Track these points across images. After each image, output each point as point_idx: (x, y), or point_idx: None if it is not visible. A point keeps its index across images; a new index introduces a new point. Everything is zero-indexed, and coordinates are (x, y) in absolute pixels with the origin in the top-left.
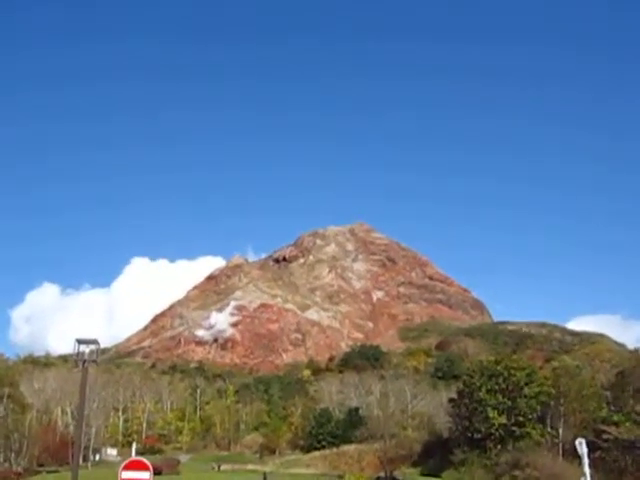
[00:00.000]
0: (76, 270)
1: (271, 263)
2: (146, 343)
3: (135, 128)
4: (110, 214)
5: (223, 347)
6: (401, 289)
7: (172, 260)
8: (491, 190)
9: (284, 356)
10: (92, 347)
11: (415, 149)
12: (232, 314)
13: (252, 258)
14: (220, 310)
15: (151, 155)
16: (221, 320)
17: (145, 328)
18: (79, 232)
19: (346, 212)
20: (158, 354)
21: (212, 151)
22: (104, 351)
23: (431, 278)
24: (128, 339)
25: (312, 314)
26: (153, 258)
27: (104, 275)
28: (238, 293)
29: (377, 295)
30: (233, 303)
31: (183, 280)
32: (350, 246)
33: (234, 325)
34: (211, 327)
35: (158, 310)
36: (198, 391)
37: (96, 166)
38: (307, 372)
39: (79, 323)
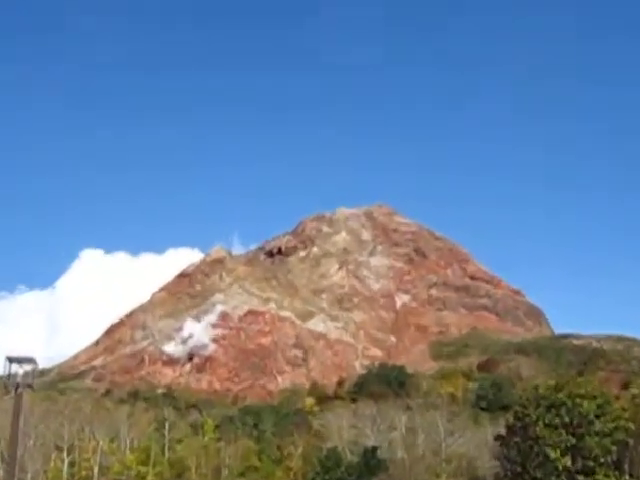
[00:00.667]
0: (7, 268)
1: (262, 257)
2: (98, 362)
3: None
4: (53, 195)
5: (200, 368)
6: (433, 291)
7: (134, 253)
8: (551, 161)
9: (279, 379)
10: (28, 367)
11: (451, 108)
12: (211, 324)
13: (238, 250)
14: (196, 319)
15: (98, 122)
16: (197, 332)
17: (97, 342)
18: (10, 222)
19: (361, 190)
20: (114, 377)
21: (184, 116)
22: (44, 372)
23: (473, 277)
24: (75, 357)
25: (316, 324)
26: (109, 250)
27: (45, 273)
28: (219, 296)
29: (402, 299)
30: (213, 310)
31: (148, 279)
32: (366, 235)
33: (214, 339)
34: (184, 341)
35: (114, 318)
36: (167, 425)
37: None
38: (310, 401)
39: (11, 336)
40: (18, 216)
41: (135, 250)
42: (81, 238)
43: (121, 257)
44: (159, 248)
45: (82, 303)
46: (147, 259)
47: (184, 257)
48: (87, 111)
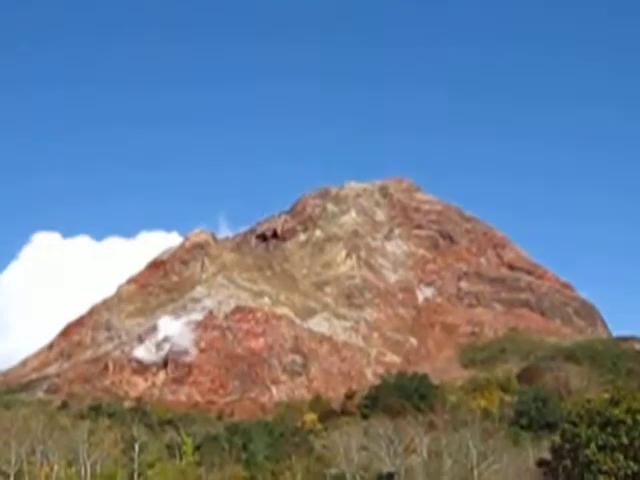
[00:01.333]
0: None
1: (254, 241)
2: (53, 369)
3: None
4: None
5: (177, 377)
6: (463, 284)
7: (98, 237)
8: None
9: (274, 391)
10: None
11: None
12: (191, 324)
13: (225, 234)
14: (172, 317)
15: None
16: (174, 333)
17: (51, 345)
18: None
19: (374, 161)
20: (72, 387)
21: (159, 65)
22: None
23: (512, 267)
24: (24, 363)
25: (319, 324)
26: (68, 234)
27: None
28: (200, 290)
29: (424, 294)
30: (193, 306)
31: (115, 269)
32: (381, 214)
33: (194, 342)
34: (157, 344)
35: (72, 316)
36: (136, 447)
37: None
38: (311, 417)
39: None
40: None
41: (99, 234)
42: (33, 219)
43: (82, 242)
44: (129, 231)
45: (33, 297)
46: (114, 244)
47: (159, 242)
48: (40, 68)
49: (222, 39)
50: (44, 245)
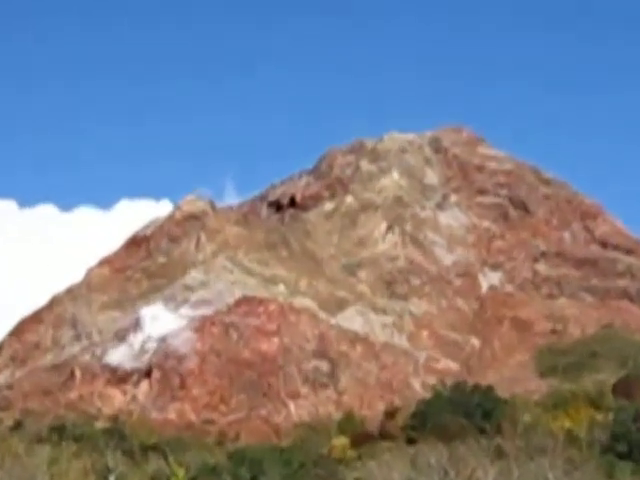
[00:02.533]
0: None
1: (265, 212)
2: (1, 379)
3: None
4: None
5: (164, 388)
6: (541, 267)
7: (65, 207)
8: None
9: (292, 408)
10: None
11: None
12: (182, 319)
13: (231, 202)
14: (158, 311)
15: None
16: (159, 331)
17: (0, 347)
18: None
19: (424, 105)
20: (27, 402)
21: None
22: None
23: (605, 244)
24: None
25: (352, 319)
26: (26, 203)
27: None
28: (195, 275)
29: (490, 280)
30: (184, 296)
31: (85, 247)
32: (432, 175)
33: (187, 343)
34: (140, 347)
35: (27, 310)
36: (112, 479)
37: None
38: (341, 442)
39: None
40: None
41: (67, 202)
42: None
43: (45, 212)
44: (104, 199)
45: None
46: (85, 215)
47: (144, 214)
48: None
49: None
50: None
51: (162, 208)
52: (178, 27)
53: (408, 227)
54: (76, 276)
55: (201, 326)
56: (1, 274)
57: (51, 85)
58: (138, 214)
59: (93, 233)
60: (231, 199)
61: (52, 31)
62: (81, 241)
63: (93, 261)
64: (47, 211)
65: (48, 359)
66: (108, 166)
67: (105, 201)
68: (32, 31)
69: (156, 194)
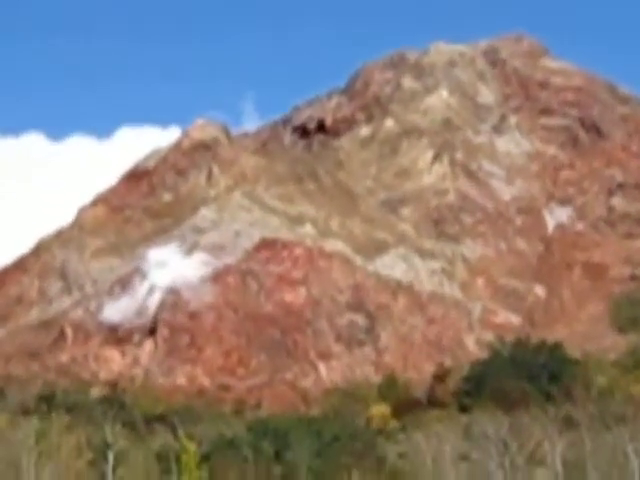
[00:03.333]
0: None
1: (288, 138)
2: None
3: None
4: None
5: (172, 349)
6: (617, 202)
7: (55, 136)
8: None
9: (322, 370)
10: None
11: None
12: (192, 266)
13: (250, 126)
14: (163, 256)
15: None
16: (166, 281)
17: None
18: None
19: (477, 11)
20: (10, 366)
21: None
22: None
23: None
24: None
25: (393, 266)
26: (11, 132)
27: None
28: (207, 214)
29: (557, 217)
30: (194, 239)
31: (79, 183)
32: (488, 93)
33: (198, 294)
34: (142, 299)
35: (8, 257)
36: (110, 457)
37: None
38: (381, 410)
39: None
40: None
41: (57, 131)
42: None
43: (32, 142)
44: (102, 127)
45: None
46: (78, 145)
47: (148, 143)
48: None
49: None
50: None
51: (170, 137)
52: None
53: (459, 155)
54: (66, 218)
55: (215, 275)
56: None
57: None
58: (141, 144)
59: (88, 166)
60: (251, 125)
61: None
62: (73, 176)
63: (86, 200)
64: (34, 140)
65: (33, 315)
66: (107, 88)
67: (103, 129)
68: None
69: (163, 121)
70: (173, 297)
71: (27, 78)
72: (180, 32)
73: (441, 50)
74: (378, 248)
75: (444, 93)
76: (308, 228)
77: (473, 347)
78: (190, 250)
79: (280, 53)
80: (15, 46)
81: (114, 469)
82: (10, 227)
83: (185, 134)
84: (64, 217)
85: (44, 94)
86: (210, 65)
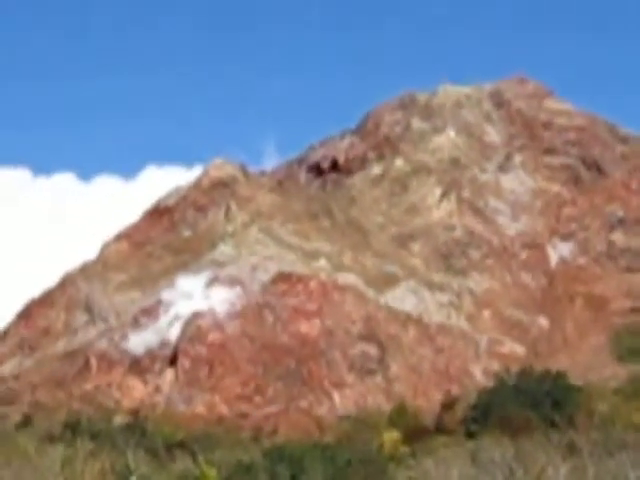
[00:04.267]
0: None
1: (304, 177)
2: (7, 369)
3: None
4: None
5: (192, 378)
6: (618, 237)
7: (84, 176)
8: None
9: (336, 398)
10: None
11: None
12: (211, 299)
13: (271, 164)
14: (184, 289)
15: None
16: (186, 313)
17: (4, 334)
18: None
19: (483, 54)
20: (37, 395)
21: None
22: None
23: None
24: None
25: (403, 298)
26: (41, 170)
27: None
28: (225, 249)
29: (560, 252)
30: (213, 273)
31: (106, 221)
32: (494, 133)
33: (217, 326)
34: (163, 331)
35: (36, 291)
36: None
37: None
38: (392, 436)
39: None
40: None
41: (87, 171)
42: None
43: (63, 182)
44: (128, 167)
45: None
46: (106, 185)
47: (171, 181)
48: None
49: None
50: (5, 185)
51: (193, 175)
52: None
53: (466, 193)
54: (91, 253)
55: (233, 307)
56: (9, 251)
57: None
58: (166, 183)
59: (114, 205)
60: (271, 164)
61: None
62: (100, 215)
63: (112, 233)
64: (65, 180)
65: (60, 346)
66: (133, 129)
67: (129, 169)
68: None
69: (188, 160)
70: (193, 329)
71: (60, 120)
72: (205, 74)
73: (449, 92)
74: (389, 281)
75: (452, 133)
76: (322, 262)
77: (480, 376)
78: (209, 284)
79: (299, 96)
80: (44, 88)
81: None
82: (38, 263)
83: (204, 173)
84: (89, 252)
85: (73, 136)
86: (234, 106)
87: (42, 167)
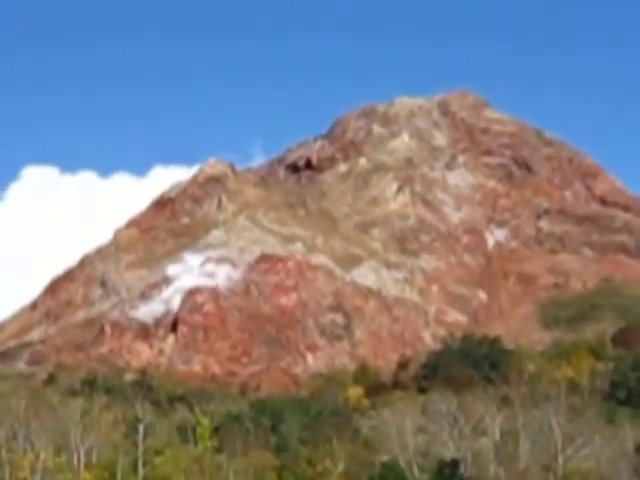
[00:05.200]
0: None
1: (282, 174)
2: (36, 334)
3: None
4: None
5: (189, 342)
6: (544, 224)
7: (104, 173)
8: None
9: (310, 359)
10: None
11: None
12: (205, 276)
13: (258, 162)
14: (182, 268)
15: None
16: (184, 288)
17: (34, 305)
18: None
19: (432, 72)
20: (61, 356)
21: None
22: None
23: (605, 202)
24: (0, 327)
25: (365, 275)
26: (67, 169)
27: None
28: (217, 234)
29: (495, 237)
30: (207, 254)
31: (121, 212)
32: (441, 138)
33: (210, 298)
34: (165, 302)
35: (59, 270)
36: (141, 429)
37: None
38: (356, 391)
39: None
40: None
41: (105, 169)
42: (23, 151)
43: (85, 179)
44: (140, 166)
45: (23, 248)
46: (122, 182)
47: (175, 178)
48: None
49: None
50: (37, 181)
51: (192, 173)
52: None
53: (418, 187)
54: (106, 236)
55: (223, 283)
56: (40, 236)
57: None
58: (170, 180)
59: (130, 198)
60: (258, 162)
61: None
62: (114, 205)
63: (123, 221)
64: (87, 178)
65: (79, 315)
66: (144, 133)
67: (141, 167)
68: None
69: (189, 160)
70: (191, 301)
71: (85, 125)
72: (205, 89)
73: (404, 103)
74: (353, 261)
75: (406, 137)
76: (298, 245)
77: (429, 341)
78: (204, 263)
79: (281, 107)
80: (70, 98)
81: (143, 439)
82: (61, 245)
83: (200, 170)
84: (104, 237)
85: (94, 137)
86: (230, 114)
87: (68, 165)
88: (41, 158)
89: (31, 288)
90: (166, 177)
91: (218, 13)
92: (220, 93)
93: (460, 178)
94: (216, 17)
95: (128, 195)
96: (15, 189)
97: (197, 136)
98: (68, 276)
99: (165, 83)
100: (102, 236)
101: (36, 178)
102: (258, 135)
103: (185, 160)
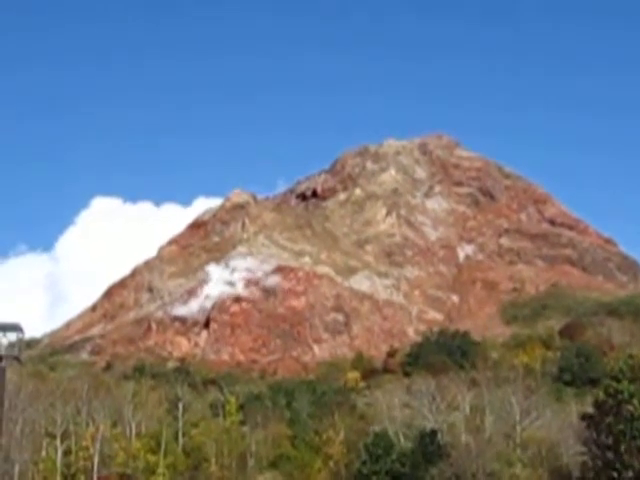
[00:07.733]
0: (5, 224)
1: (293, 201)
2: (96, 330)
3: None
4: (58, 134)
5: (219, 336)
6: (504, 241)
7: (157, 203)
8: None
9: (316, 350)
10: (13, 336)
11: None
12: (232, 283)
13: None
14: (213, 277)
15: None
16: (215, 293)
17: (94, 307)
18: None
19: (413, 119)
20: (116, 348)
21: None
22: (30, 344)
23: (553, 223)
24: (68, 324)
25: (360, 282)
26: (128, 199)
27: (45, 231)
28: (241, 250)
29: (465, 251)
30: (233, 265)
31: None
32: (421, 172)
33: (236, 301)
34: (199, 304)
35: (115, 279)
36: (180, 406)
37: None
38: (353, 375)
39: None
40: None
41: (159, 199)
42: (93, 184)
43: (144, 208)
44: (186, 197)
45: (90, 263)
46: (171, 210)
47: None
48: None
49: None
50: (103, 210)
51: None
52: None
53: (402, 211)
54: (151, 252)
55: (246, 288)
56: (102, 254)
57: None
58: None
59: (176, 223)
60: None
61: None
62: (164, 229)
63: (164, 240)
64: (145, 207)
65: (131, 315)
66: (190, 170)
67: (187, 198)
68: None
69: (224, 192)
70: (220, 303)
71: (144, 162)
72: (239, 132)
73: (391, 144)
74: (351, 271)
75: (393, 172)
76: (306, 259)
77: (412, 335)
78: (231, 273)
79: (295, 148)
80: (136, 142)
81: (182, 415)
82: (120, 260)
83: (227, 199)
84: (151, 252)
85: (151, 172)
86: (254, 156)
87: (129, 196)
88: (108, 190)
89: (93, 294)
90: (207, 206)
91: (232, 71)
92: (247, 138)
93: (436, 204)
94: (234, 75)
95: (176, 220)
96: (85, 215)
97: (230, 173)
98: (122, 284)
99: (205, 132)
100: (149, 251)
101: (103, 206)
102: (281, 173)
103: (222, 192)
